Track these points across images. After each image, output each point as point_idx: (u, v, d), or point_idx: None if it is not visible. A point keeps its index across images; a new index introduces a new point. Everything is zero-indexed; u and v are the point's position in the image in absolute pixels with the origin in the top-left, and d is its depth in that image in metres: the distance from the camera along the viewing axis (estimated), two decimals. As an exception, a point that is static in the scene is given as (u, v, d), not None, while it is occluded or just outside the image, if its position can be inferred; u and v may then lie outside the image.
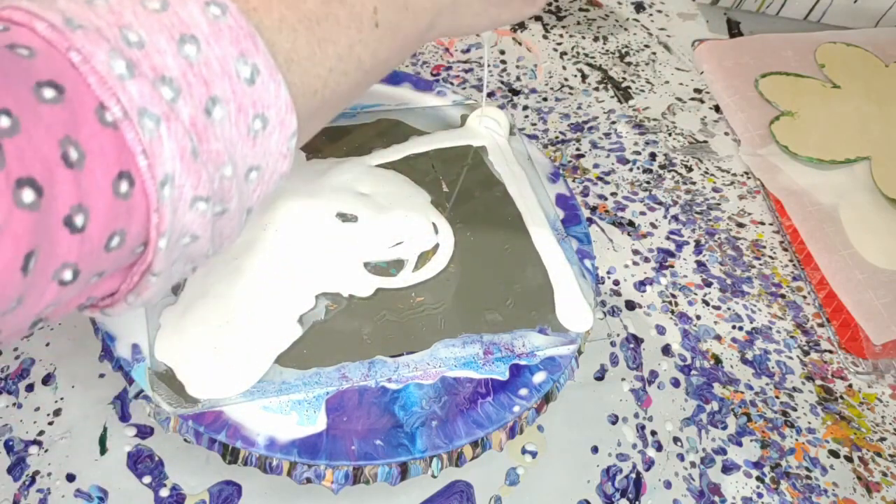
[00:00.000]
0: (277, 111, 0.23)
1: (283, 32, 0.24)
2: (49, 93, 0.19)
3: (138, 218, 0.21)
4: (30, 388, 0.36)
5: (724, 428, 0.41)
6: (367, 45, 0.26)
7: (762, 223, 0.51)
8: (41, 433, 0.35)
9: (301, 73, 0.24)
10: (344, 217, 0.39)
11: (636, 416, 0.40)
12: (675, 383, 0.42)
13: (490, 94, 0.55)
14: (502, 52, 0.58)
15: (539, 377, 0.35)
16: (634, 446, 0.39)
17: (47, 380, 0.36)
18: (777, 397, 0.43)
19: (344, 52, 0.26)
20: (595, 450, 0.39)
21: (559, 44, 0.60)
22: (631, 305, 0.45)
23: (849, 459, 0.41)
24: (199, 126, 0.21)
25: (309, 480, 0.32)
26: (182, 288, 0.34)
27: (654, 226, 0.50)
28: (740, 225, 0.51)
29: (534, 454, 0.38)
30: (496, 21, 0.33)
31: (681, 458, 0.39)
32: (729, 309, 0.46)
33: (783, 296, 0.48)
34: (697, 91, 0.59)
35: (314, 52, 0.24)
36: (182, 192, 0.21)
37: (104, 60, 0.19)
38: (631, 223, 0.49)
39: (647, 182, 0.52)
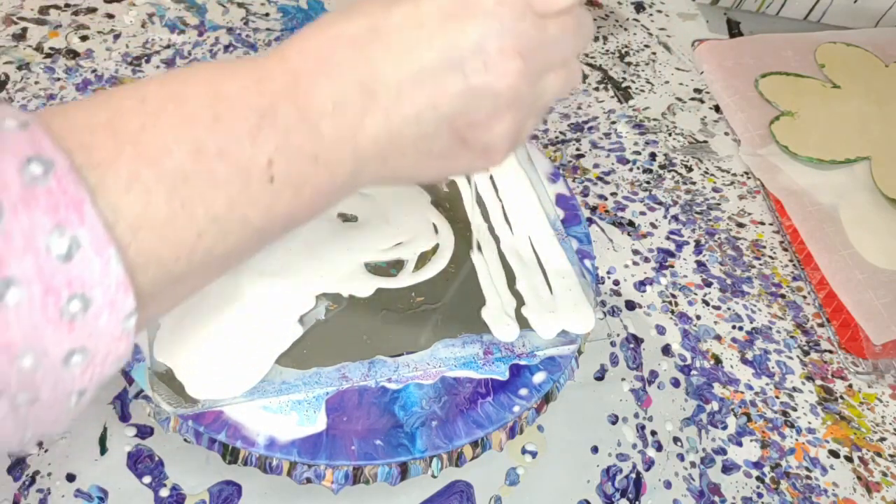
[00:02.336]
0: (105, 290, 0.19)
1: (132, 193, 0.20)
2: None
3: None
4: (30, 388, 0.36)
5: (724, 428, 0.41)
6: (256, 203, 0.22)
7: (762, 223, 0.51)
8: (41, 433, 0.35)
9: (155, 239, 0.21)
10: (344, 217, 0.39)
11: (636, 416, 0.40)
12: (675, 383, 0.42)
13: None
14: (502, 52, 0.58)
15: (539, 377, 0.35)
16: (634, 446, 0.39)
17: (47, 380, 0.36)
18: (777, 397, 0.43)
19: (221, 212, 0.22)
20: (595, 450, 0.39)
21: (559, 44, 0.60)
22: (631, 305, 0.45)
23: (849, 459, 0.41)
24: None
25: (309, 480, 0.32)
26: (182, 288, 0.34)
27: (654, 226, 0.50)
28: (740, 225, 0.51)
29: (534, 454, 0.38)
30: (440, 174, 0.28)
31: (681, 458, 0.39)
32: (729, 309, 0.46)
33: (783, 296, 0.48)
34: (697, 91, 0.59)
35: (175, 214, 0.21)
36: None
37: None
38: (631, 223, 0.49)
39: (647, 182, 0.52)
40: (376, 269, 0.38)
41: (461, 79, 0.24)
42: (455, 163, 0.27)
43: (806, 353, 0.45)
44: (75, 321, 0.19)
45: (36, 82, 0.49)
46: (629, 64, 0.60)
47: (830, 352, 0.45)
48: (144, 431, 0.36)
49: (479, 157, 0.27)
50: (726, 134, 0.56)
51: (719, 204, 0.52)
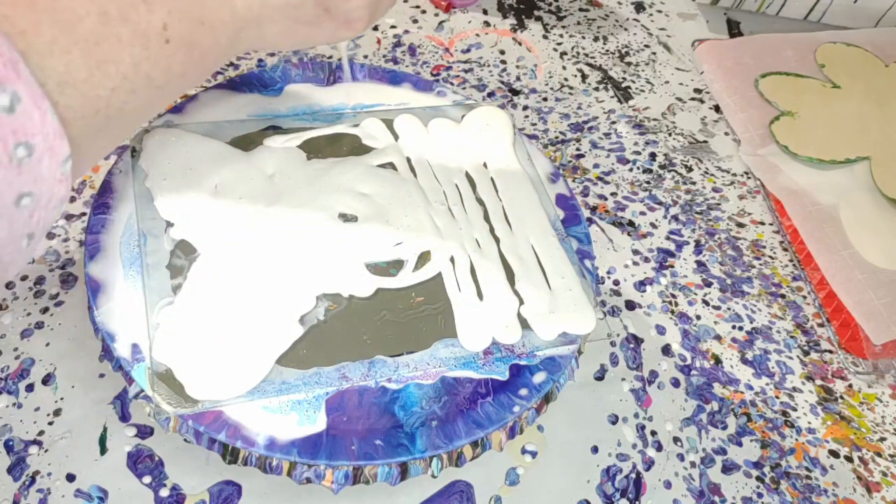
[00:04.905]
0: (44, 137, 0.22)
1: (55, 55, 0.23)
2: None
3: None
4: (30, 388, 0.36)
5: (724, 428, 0.41)
6: (156, 62, 0.26)
7: (762, 223, 0.51)
8: (41, 433, 0.35)
9: (78, 95, 0.24)
10: (344, 217, 0.39)
11: (636, 416, 0.40)
12: (675, 383, 0.42)
13: (490, 95, 0.55)
14: (502, 52, 0.58)
15: (539, 377, 0.35)
16: (634, 446, 0.39)
17: (47, 380, 0.36)
18: (777, 397, 0.43)
19: (128, 70, 0.25)
20: (595, 450, 0.39)
21: (559, 44, 0.60)
22: (631, 305, 0.45)
23: (849, 459, 0.41)
24: None
25: (309, 480, 0.32)
26: (181, 288, 0.34)
27: (654, 226, 0.50)
28: (740, 225, 0.51)
29: (534, 454, 0.38)
30: (308, 41, 0.32)
31: (681, 458, 0.39)
32: (729, 309, 0.46)
33: (783, 296, 0.48)
34: (697, 91, 0.59)
35: (92, 73, 0.24)
36: None
37: None
38: (631, 223, 0.49)
39: (647, 182, 0.52)
40: (376, 269, 0.38)
41: None
42: (320, 31, 0.31)
43: (806, 353, 0.45)
44: (22, 165, 0.22)
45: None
46: (629, 64, 0.60)
47: (830, 352, 0.45)
48: (144, 431, 0.36)
49: (341, 27, 0.32)
50: (726, 134, 0.56)
51: (719, 204, 0.52)
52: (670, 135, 0.55)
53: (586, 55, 0.60)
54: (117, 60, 0.25)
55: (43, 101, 0.22)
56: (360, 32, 0.32)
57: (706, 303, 0.46)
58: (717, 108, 0.58)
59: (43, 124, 0.22)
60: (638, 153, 0.54)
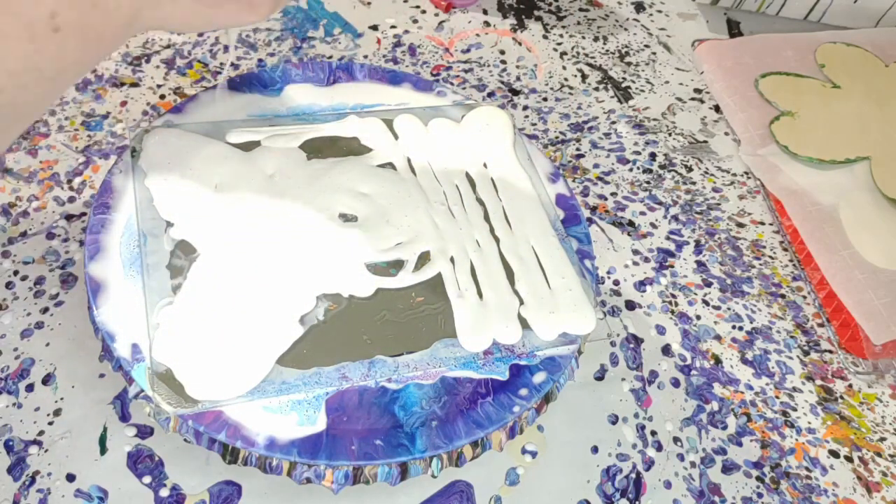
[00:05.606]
0: None
1: None
2: None
3: None
4: (30, 388, 0.36)
5: (724, 428, 0.41)
6: (46, 54, 0.25)
7: (762, 223, 0.51)
8: (41, 433, 0.35)
9: None
10: (344, 217, 0.39)
11: (636, 416, 0.40)
12: (675, 383, 0.42)
13: (490, 95, 0.55)
14: (502, 52, 0.58)
15: (539, 377, 0.35)
16: (634, 446, 0.39)
17: (47, 380, 0.36)
18: (777, 397, 0.43)
19: (16, 66, 0.24)
20: (595, 450, 0.39)
21: (559, 44, 0.60)
22: (631, 305, 0.45)
23: (849, 459, 0.41)
24: None
25: (309, 480, 0.32)
26: (181, 288, 0.34)
27: (654, 226, 0.50)
28: (740, 225, 0.51)
29: (534, 454, 0.38)
30: (210, 23, 0.31)
31: (681, 458, 0.39)
32: (729, 309, 0.46)
33: (783, 296, 0.48)
34: (697, 91, 0.59)
35: None
36: None
37: None
38: (631, 223, 0.49)
39: (647, 182, 0.52)
40: (376, 269, 0.38)
41: None
42: (222, 12, 0.30)
43: (806, 353, 0.45)
44: None
45: (36, 82, 0.49)
46: (629, 64, 0.60)
47: (830, 352, 0.45)
48: (144, 431, 0.36)
49: (244, 9, 0.30)
50: (726, 134, 0.56)
51: (719, 204, 0.52)
52: (670, 135, 0.55)
53: (586, 55, 0.60)
54: (2, 58, 0.23)
55: None
56: (264, 18, 0.31)
57: (706, 303, 0.46)
58: (717, 108, 0.58)
59: None
60: (638, 153, 0.54)
